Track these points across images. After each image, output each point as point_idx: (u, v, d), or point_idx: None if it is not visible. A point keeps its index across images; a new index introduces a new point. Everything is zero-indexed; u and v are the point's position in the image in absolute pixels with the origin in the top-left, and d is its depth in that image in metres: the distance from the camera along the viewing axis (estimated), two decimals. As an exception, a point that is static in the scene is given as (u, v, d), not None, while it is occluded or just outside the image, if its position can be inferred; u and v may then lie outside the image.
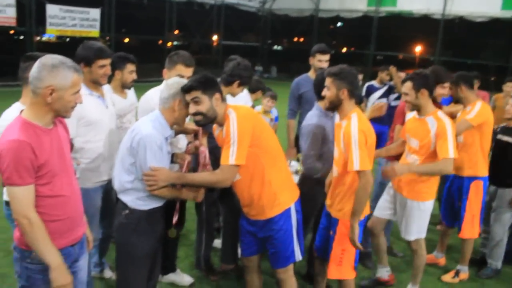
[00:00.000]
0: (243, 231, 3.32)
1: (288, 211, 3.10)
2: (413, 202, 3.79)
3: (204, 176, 3.01)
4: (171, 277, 4.06)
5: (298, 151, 4.82)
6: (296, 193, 3.23)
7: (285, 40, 30.24)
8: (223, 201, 4.02)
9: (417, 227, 3.84)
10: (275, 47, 30.06)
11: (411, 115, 3.91)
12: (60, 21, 15.94)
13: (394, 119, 4.53)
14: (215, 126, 3.14)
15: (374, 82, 7.33)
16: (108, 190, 3.60)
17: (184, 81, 2.97)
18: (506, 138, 4.42)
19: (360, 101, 6.50)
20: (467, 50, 22.58)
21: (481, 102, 4.22)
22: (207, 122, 2.96)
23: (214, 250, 4.40)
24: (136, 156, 2.81)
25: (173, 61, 3.55)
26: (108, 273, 4.08)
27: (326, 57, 4.89)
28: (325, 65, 4.82)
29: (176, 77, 3.12)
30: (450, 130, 3.52)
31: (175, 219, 3.20)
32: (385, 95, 7.13)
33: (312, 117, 3.69)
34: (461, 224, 4.30)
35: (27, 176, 2.19)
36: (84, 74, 3.27)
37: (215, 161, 3.08)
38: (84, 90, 3.28)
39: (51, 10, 15.66)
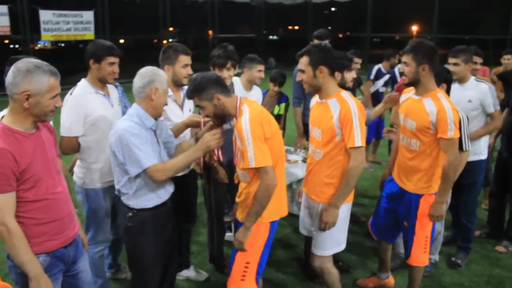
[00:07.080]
0: None
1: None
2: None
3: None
4: (185, 273, 4.06)
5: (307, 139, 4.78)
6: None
7: (280, 29, 30.04)
8: (233, 194, 3.97)
9: (337, 238, 3.24)
10: (271, 37, 29.87)
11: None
12: (54, 26, 15.81)
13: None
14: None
15: (381, 67, 7.32)
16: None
17: (156, 69, 2.85)
18: None
19: (359, 84, 6.43)
20: (464, 26, 22.33)
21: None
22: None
23: (226, 244, 4.38)
24: (120, 153, 2.70)
25: (173, 55, 3.49)
26: (123, 274, 4.08)
27: (324, 42, 4.75)
28: None
29: (149, 66, 2.90)
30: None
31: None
32: (388, 83, 7.20)
33: None
34: (410, 249, 3.43)
35: (5, 184, 2.16)
36: (92, 71, 3.29)
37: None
38: (90, 89, 3.29)
39: (45, 15, 15.51)
